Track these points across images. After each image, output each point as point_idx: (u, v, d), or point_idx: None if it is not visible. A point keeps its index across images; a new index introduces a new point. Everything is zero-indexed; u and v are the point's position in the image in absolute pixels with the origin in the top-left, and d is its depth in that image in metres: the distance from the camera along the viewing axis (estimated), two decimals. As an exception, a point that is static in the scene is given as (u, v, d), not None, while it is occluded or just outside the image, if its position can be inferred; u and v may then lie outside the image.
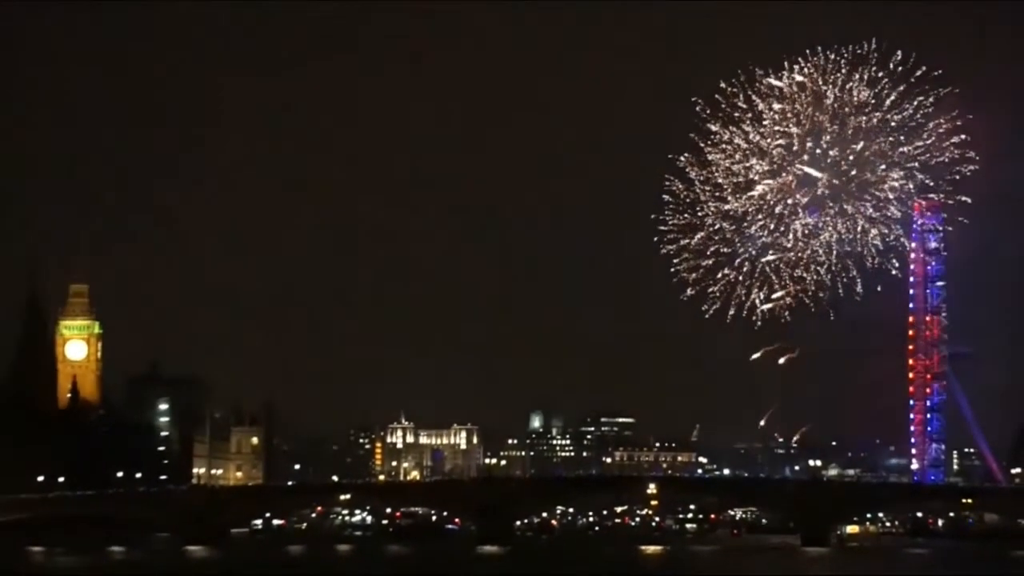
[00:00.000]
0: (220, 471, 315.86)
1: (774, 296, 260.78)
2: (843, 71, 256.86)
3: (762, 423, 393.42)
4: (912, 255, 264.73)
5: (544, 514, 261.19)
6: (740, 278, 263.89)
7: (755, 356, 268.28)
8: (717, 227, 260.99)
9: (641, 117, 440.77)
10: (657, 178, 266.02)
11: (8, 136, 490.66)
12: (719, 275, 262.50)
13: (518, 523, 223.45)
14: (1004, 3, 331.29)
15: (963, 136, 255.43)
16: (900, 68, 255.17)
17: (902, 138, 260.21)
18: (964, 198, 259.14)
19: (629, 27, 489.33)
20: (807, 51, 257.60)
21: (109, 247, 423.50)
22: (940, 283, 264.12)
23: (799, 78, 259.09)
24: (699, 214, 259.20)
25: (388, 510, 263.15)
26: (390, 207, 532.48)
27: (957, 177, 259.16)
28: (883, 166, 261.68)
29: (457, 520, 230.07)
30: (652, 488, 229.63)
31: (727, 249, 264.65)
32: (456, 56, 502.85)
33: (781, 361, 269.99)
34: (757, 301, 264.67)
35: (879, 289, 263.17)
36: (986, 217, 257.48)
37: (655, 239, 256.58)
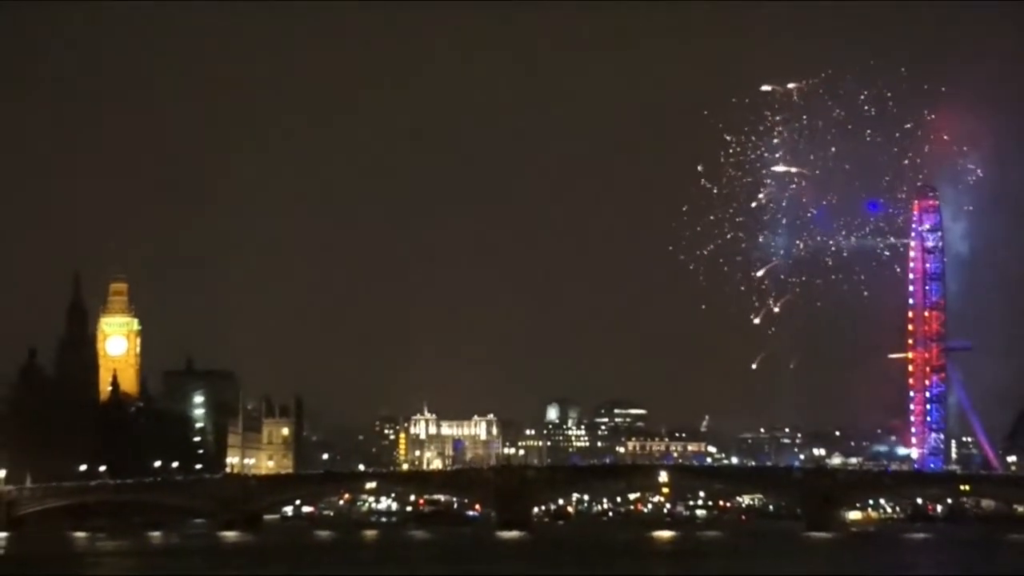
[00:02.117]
0: (252, 460, 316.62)
1: (782, 301, 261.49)
2: (851, 85, 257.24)
3: (762, 430, 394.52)
4: (912, 253, 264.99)
5: (560, 501, 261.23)
6: (753, 283, 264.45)
7: (754, 366, 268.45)
8: (730, 236, 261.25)
9: (663, 122, 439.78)
10: (674, 184, 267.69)
11: (49, 137, 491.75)
12: (734, 280, 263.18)
13: (536, 510, 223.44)
14: (1005, 4, 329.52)
15: (965, 148, 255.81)
16: (904, 85, 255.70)
17: (909, 152, 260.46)
18: (968, 207, 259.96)
19: (641, 37, 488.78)
20: (815, 65, 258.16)
21: (147, 244, 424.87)
22: (938, 280, 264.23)
23: (806, 90, 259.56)
24: (713, 221, 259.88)
25: (412, 497, 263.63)
26: (411, 204, 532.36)
27: (960, 187, 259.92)
28: (888, 177, 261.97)
29: (477, 507, 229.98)
30: (663, 476, 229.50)
31: (739, 258, 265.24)
32: (474, 58, 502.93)
33: (792, 366, 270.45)
34: (770, 303, 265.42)
35: (881, 291, 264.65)
36: (988, 217, 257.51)
37: (670, 247, 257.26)
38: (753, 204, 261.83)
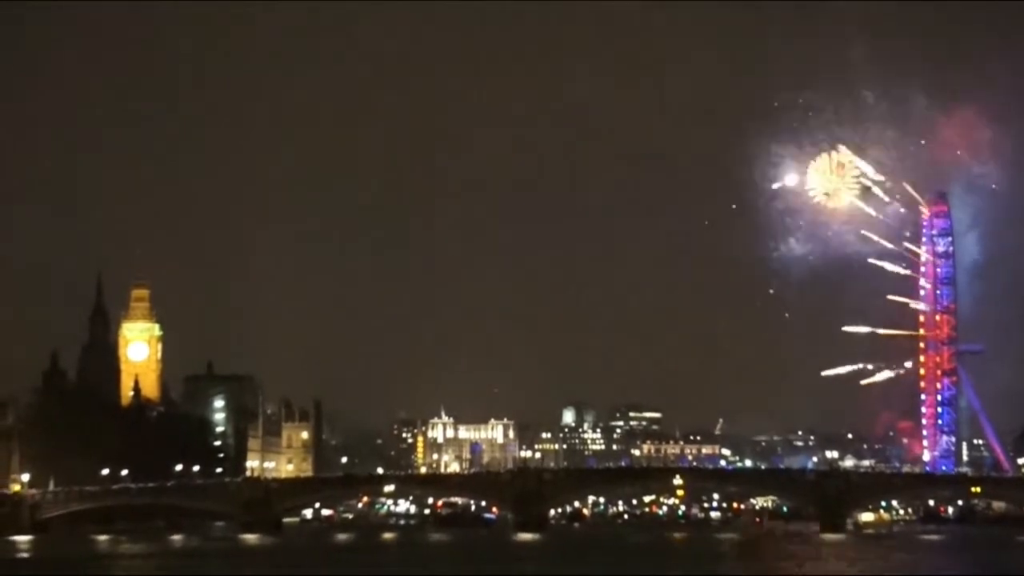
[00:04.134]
0: (272, 464, 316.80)
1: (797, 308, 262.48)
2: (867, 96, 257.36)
3: (776, 434, 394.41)
4: (923, 257, 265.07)
5: (576, 503, 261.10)
6: (769, 292, 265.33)
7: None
8: (748, 246, 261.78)
9: (682, 133, 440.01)
10: (694, 193, 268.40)
11: (70, 142, 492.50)
12: (751, 287, 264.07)
13: (552, 512, 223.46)
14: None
15: (980, 157, 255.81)
16: (919, 95, 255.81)
17: (924, 161, 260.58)
18: (982, 214, 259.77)
19: (658, 45, 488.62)
20: (831, 77, 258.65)
21: (168, 249, 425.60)
22: (949, 285, 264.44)
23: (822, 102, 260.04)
24: (731, 230, 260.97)
25: (430, 500, 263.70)
26: (429, 207, 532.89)
27: (974, 195, 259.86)
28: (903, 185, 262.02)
29: (495, 509, 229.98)
30: (678, 479, 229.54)
31: (757, 267, 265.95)
32: (494, 66, 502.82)
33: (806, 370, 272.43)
34: (786, 315, 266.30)
35: (898, 297, 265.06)
36: (1002, 223, 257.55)
37: (688, 255, 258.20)
38: (770, 214, 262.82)
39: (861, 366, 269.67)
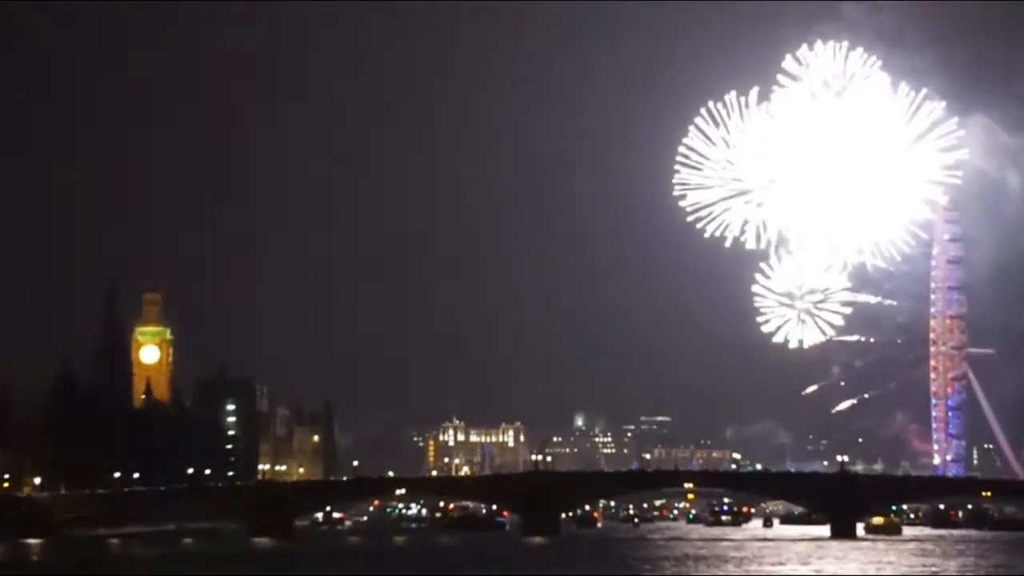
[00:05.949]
0: (283, 468, 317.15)
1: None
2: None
3: (786, 438, 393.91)
4: (934, 262, 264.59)
5: (587, 507, 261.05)
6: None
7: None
8: (758, 251, 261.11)
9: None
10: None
11: (80, 147, 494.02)
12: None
13: (563, 516, 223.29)
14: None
15: (994, 162, 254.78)
16: (932, 99, 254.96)
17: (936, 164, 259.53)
18: (995, 219, 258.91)
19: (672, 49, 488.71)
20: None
21: (180, 253, 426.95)
22: (959, 290, 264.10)
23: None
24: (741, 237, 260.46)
25: (441, 504, 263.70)
26: (437, 213, 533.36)
27: (988, 199, 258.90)
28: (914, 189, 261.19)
29: (506, 513, 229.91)
30: (688, 483, 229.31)
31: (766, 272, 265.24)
32: (497, 67, 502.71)
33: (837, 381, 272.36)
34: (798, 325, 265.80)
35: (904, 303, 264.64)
36: (1015, 228, 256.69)
37: (698, 259, 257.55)
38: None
39: (830, 383, 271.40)
